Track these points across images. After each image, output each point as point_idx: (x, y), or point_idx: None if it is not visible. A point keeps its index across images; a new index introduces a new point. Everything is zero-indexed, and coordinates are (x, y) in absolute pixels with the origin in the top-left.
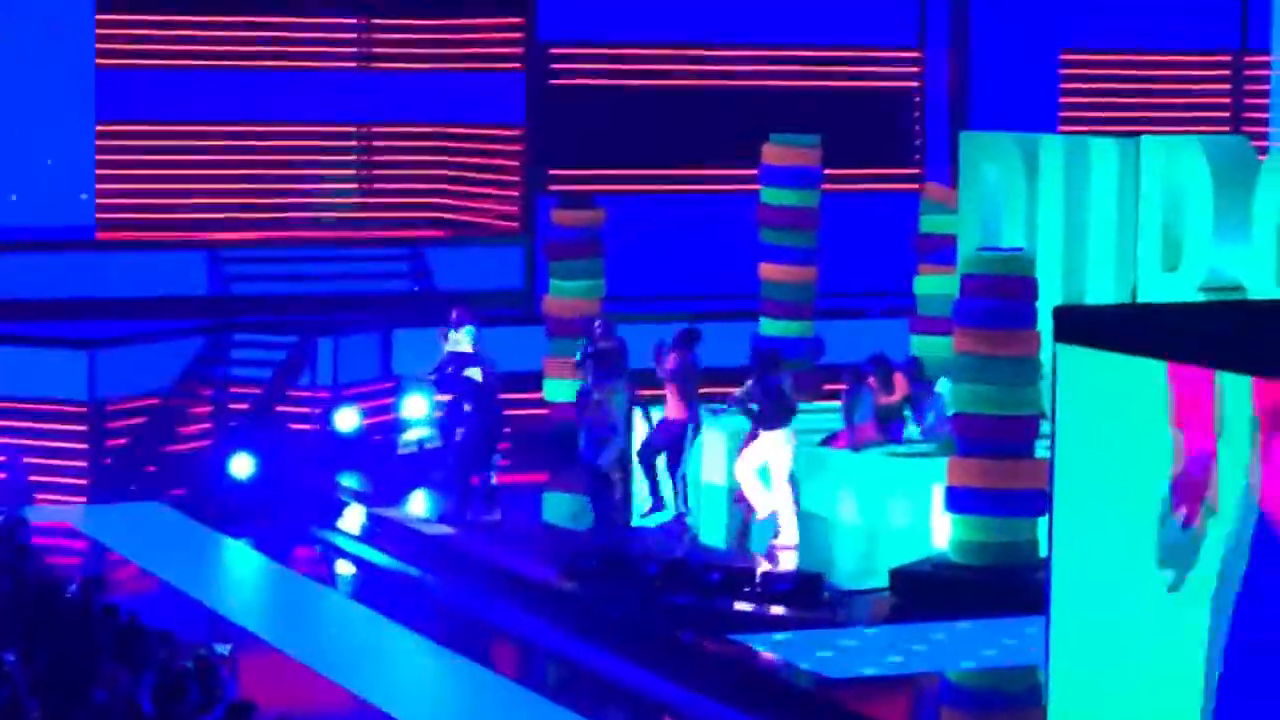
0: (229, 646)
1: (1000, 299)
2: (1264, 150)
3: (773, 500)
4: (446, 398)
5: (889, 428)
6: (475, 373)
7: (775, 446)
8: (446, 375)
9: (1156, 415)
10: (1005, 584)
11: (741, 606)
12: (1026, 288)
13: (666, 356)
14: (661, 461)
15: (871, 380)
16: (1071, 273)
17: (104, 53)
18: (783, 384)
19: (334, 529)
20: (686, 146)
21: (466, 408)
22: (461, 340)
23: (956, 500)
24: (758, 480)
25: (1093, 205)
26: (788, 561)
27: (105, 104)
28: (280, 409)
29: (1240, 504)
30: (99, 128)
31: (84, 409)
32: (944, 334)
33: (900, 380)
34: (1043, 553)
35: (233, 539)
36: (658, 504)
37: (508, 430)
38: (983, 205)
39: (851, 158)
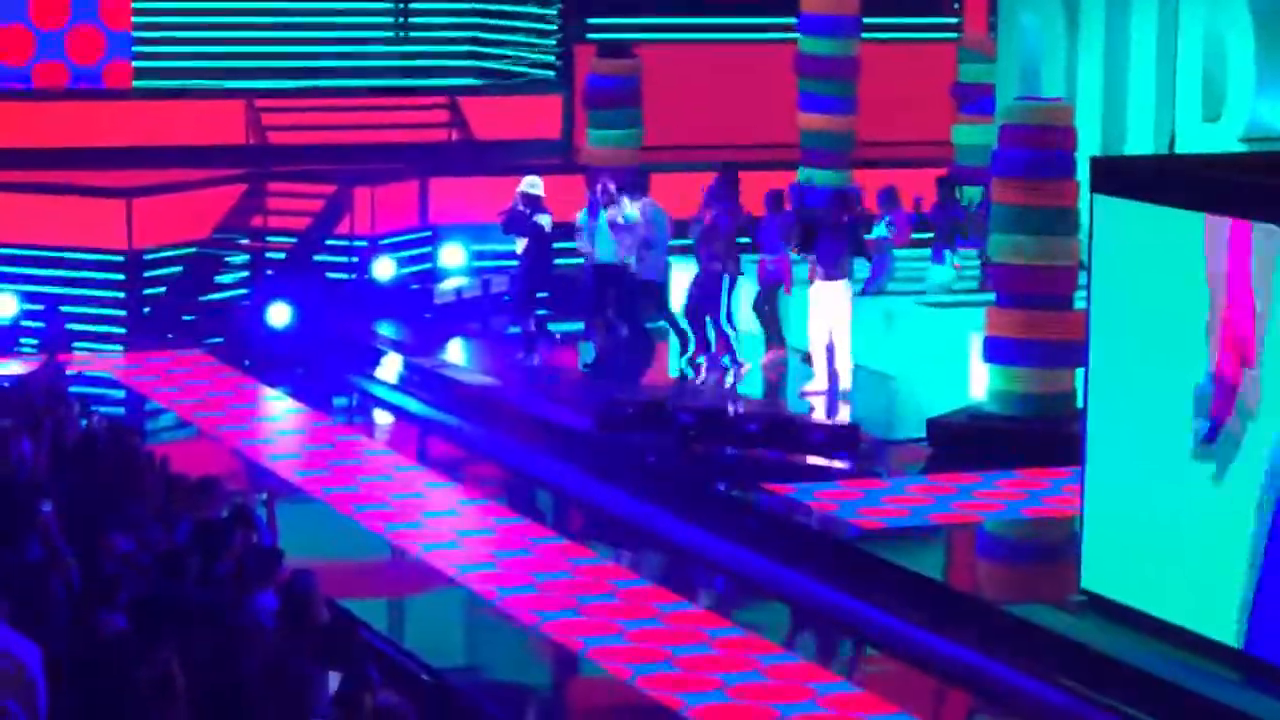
0: (264, 495)
1: (1038, 149)
2: None
3: (824, 370)
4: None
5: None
6: (545, 220)
7: (837, 297)
8: (516, 215)
9: (1194, 268)
10: (1041, 435)
11: (777, 457)
12: (1065, 138)
13: (703, 212)
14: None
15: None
16: (1110, 123)
17: None
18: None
19: (371, 378)
20: None
21: (519, 247)
22: (537, 184)
23: (994, 350)
24: (824, 343)
25: (1133, 55)
26: (839, 412)
27: None
28: (318, 258)
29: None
30: None
31: (122, 258)
32: (982, 184)
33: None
34: (1079, 404)
35: (270, 387)
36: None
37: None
38: (1022, 54)
39: (891, 6)
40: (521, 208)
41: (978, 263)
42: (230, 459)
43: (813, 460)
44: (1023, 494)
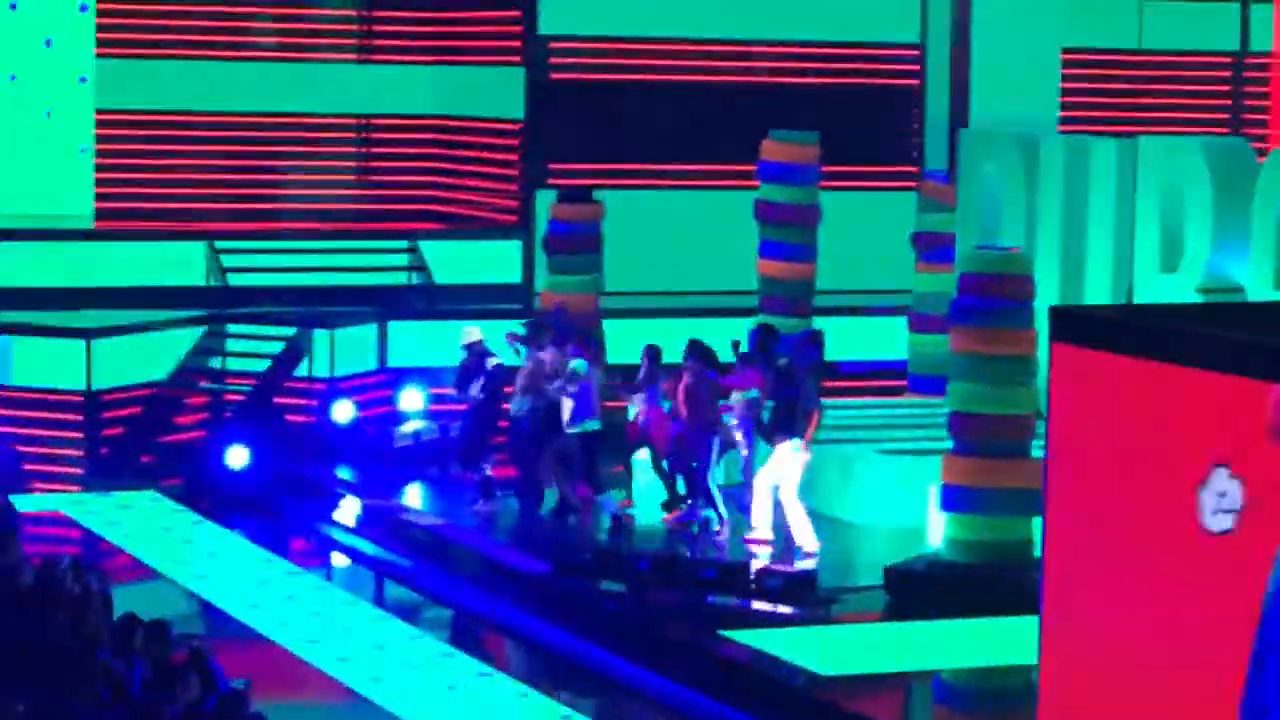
0: (196, 642)
1: (997, 298)
2: (1263, 153)
3: (767, 520)
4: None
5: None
6: (493, 362)
7: (788, 459)
8: (465, 369)
9: (1152, 418)
10: (999, 583)
11: (734, 603)
12: (1024, 286)
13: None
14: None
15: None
16: (1069, 272)
17: (104, 42)
18: (797, 390)
19: (329, 521)
20: (686, 141)
21: (474, 389)
22: (474, 333)
23: (951, 499)
24: (768, 496)
25: (1091, 205)
26: (796, 560)
27: (106, 93)
28: (276, 400)
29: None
30: (99, 116)
31: (81, 397)
32: (941, 333)
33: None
34: (1036, 552)
35: (227, 529)
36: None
37: (503, 424)
38: (981, 204)
39: (851, 154)
40: (469, 360)
41: None
42: (186, 601)
43: (769, 607)
44: (980, 642)
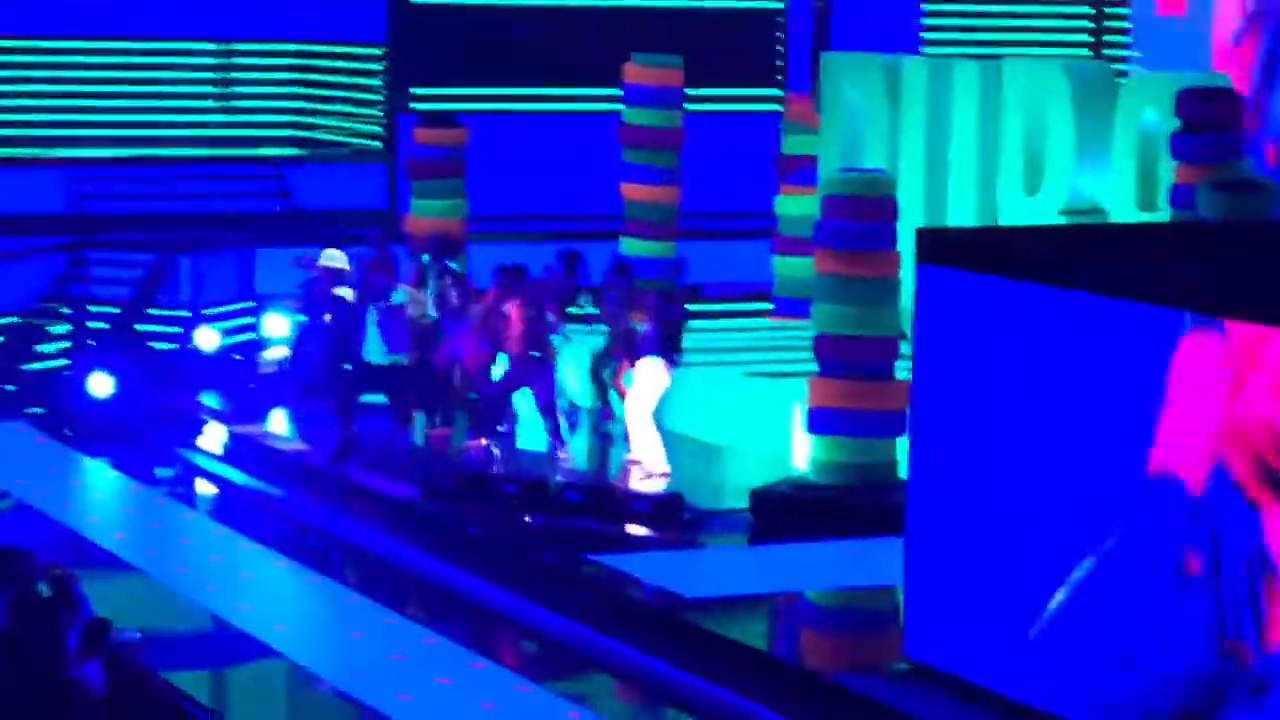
0: (57, 570)
1: (861, 220)
2: (1124, 74)
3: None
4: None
5: None
6: (346, 292)
7: (655, 374)
8: (312, 293)
9: (1016, 337)
10: (864, 505)
11: (600, 527)
12: (887, 208)
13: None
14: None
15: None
16: (933, 194)
17: None
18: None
19: (194, 448)
20: (549, 65)
21: (327, 317)
22: (338, 257)
23: (816, 420)
24: (651, 423)
25: (954, 127)
26: (651, 485)
27: None
28: (140, 328)
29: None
30: None
31: None
32: (805, 255)
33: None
34: (902, 474)
35: (92, 458)
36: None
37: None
38: (845, 126)
39: (714, 77)
40: (319, 282)
41: None
42: (50, 530)
43: (636, 530)
44: (845, 563)
